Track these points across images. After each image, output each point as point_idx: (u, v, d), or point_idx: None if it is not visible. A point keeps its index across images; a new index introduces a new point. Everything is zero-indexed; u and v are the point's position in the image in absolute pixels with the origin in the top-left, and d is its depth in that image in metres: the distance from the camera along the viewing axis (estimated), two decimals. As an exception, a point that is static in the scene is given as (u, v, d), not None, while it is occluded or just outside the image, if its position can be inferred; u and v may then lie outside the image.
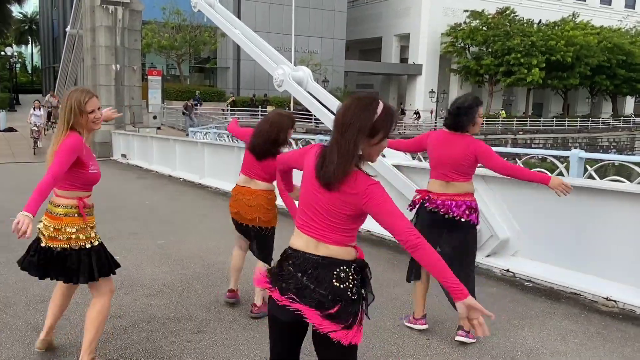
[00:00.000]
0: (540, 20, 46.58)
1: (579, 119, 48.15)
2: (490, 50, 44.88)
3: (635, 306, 4.53)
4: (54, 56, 56.36)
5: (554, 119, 47.62)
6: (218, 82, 45.79)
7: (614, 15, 55.01)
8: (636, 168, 6.17)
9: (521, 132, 42.62)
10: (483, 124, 3.96)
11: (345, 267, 2.15)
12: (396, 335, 4.02)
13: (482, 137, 37.64)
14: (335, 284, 2.12)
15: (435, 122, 40.95)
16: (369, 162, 2.18)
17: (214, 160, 12.84)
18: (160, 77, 32.61)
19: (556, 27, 45.27)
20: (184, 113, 28.15)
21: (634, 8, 58.14)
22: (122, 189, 11.51)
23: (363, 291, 2.20)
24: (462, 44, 46.57)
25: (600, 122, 49.30)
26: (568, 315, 4.46)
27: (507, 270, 5.57)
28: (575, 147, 43.99)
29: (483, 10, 45.19)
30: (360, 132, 2.07)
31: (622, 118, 52.20)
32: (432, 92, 43.99)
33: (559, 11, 50.32)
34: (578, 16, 47.55)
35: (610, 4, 56.83)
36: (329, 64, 41.43)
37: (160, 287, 5.10)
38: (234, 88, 44.34)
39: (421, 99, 48.35)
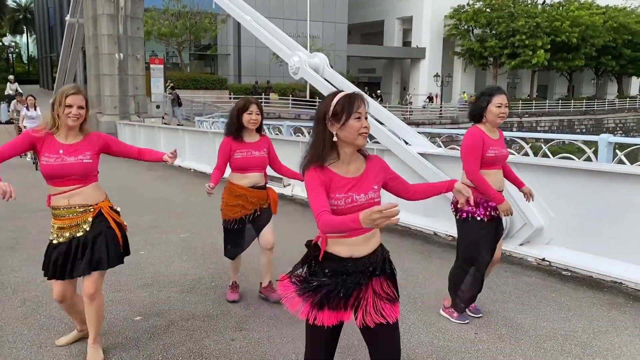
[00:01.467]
0: (544, 1, 46.15)
1: (584, 101, 47.86)
2: (494, 32, 44.49)
3: (683, 295, 4.44)
4: (51, 45, 55.96)
5: (559, 101, 47.32)
6: (219, 70, 45.49)
7: (619, -5, 54.45)
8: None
9: (526, 115, 42.36)
10: (503, 114, 3.78)
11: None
12: (443, 329, 3.93)
13: (487, 120, 37.36)
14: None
15: (441, 108, 40.67)
16: (356, 144, 2.32)
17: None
18: (162, 66, 32.45)
19: (561, 8, 44.85)
20: (173, 101, 27.75)
21: (638, -13, 57.48)
22: (133, 181, 11.40)
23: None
24: (466, 27, 46.16)
25: (606, 103, 49.00)
26: (614, 305, 4.37)
27: (543, 259, 5.48)
28: (582, 130, 43.89)
29: (487, -8, 44.77)
30: (321, 119, 2.30)
31: (627, 99, 51.85)
32: (437, 75, 43.64)
33: (564, -9, 49.81)
34: (583, -4, 47.14)
35: (615, -17, 56.24)
36: (331, 49, 41.08)
37: (193, 283, 5.01)
38: (235, 75, 44.07)
39: (425, 83, 48.04)
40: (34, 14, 67.63)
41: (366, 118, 2.31)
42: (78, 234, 3.27)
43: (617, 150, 6.72)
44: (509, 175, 4.08)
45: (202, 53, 46.23)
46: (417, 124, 29.98)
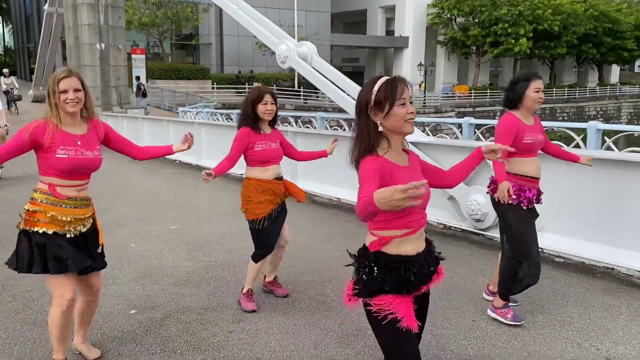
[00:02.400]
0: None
1: (566, 89, 48.29)
2: (477, 20, 44.62)
3: (674, 279, 4.50)
4: (28, 36, 54.84)
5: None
6: (201, 59, 45.04)
7: (599, -17, 54.89)
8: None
9: (509, 103, 42.59)
10: (540, 99, 3.77)
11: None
12: (440, 317, 3.93)
13: (471, 109, 37.59)
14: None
15: (424, 97, 40.77)
16: (404, 132, 2.19)
17: (212, 141, 12.58)
18: (144, 56, 32.09)
19: (543, -4, 45.07)
20: (138, 90, 26.93)
21: (618, -25, 58.02)
22: (117, 172, 11.24)
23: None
24: (449, 15, 46.24)
25: (587, 91, 49.51)
26: (608, 291, 4.41)
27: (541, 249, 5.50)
28: (564, 117, 44.34)
29: (469, -20, 44.82)
30: (363, 110, 2.17)
31: (608, 87, 52.46)
32: (420, 65, 43.69)
33: (545, -20, 50.06)
34: (564, -16, 47.42)
35: (595, -28, 56.63)
36: (314, 38, 40.82)
37: (186, 275, 4.96)
38: (218, 65, 43.67)
39: (408, 72, 48.04)
40: (9, 3, 66.14)
41: (411, 102, 2.17)
42: (83, 229, 3.06)
43: (605, 137, 6.79)
44: (559, 154, 4.08)
45: (183, 43, 45.73)
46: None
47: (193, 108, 20.73)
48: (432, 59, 47.94)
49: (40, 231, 2.94)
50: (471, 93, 42.60)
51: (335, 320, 3.93)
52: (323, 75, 8.92)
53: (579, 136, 6.74)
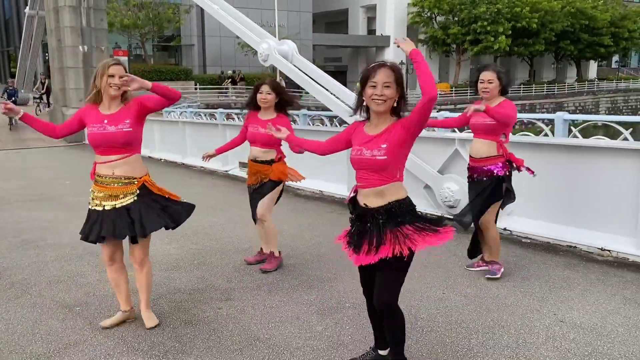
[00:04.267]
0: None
1: (545, 85, 49.10)
2: (456, 19, 45.20)
3: (629, 254, 4.87)
4: (7, 39, 54.45)
5: (521, 86, 48.45)
6: (183, 61, 45.08)
7: (576, -20, 55.81)
8: (618, 127, 6.51)
9: (489, 100, 43.20)
10: (485, 89, 4.33)
11: None
12: (412, 291, 4.25)
13: (452, 106, 38.15)
14: None
15: (406, 94, 41.17)
16: (373, 110, 2.74)
17: (196, 139, 12.82)
18: (126, 58, 32.08)
19: (521, -6, 45.76)
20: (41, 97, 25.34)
21: (594, -27, 59.00)
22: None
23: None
24: (429, 14, 46.75)
25: (566, 87, 50.38)
26: (569, 266, 4.77)
27: (505, 229, 5.86)
28: (543, 113, 45.06)
29: (448, -21, 45.37)
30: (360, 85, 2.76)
31: (586, 82, 53.40)
32: (402, 63, 44.06)
33: (523, -22, 50.80)
34: (541, -18, 48.17)
35: (571, -31, 57.55)
36: (296, 38, 41.01)
37: (176, 262, 5.23)
38: (200, 65, 43.74)
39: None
40: (-12, 7, 65.51)
41: (385, 86, 2.63)
42: (123, 203, 3.47)
43: (572, 127, 7.17)
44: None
45: (165, 44, 45.72)
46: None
47: (177, 108, 20.88)
48: (413, 58, 48.42)
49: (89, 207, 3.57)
50: (452, 91, 43.14)
51: (316, 295, 4.24)
52: (304, 73, 9.21)
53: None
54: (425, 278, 4.56)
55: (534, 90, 47.16)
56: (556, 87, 49.14)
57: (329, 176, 8.34)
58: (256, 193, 4.79)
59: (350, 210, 2.89)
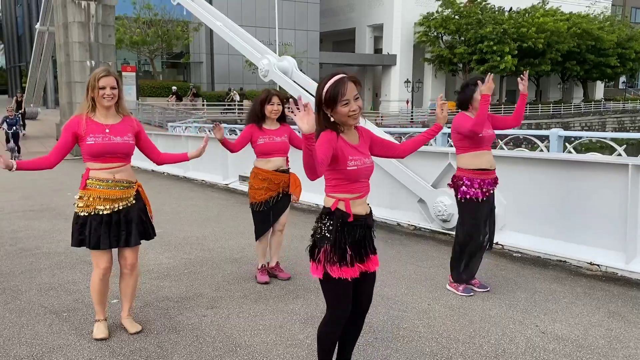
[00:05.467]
0: (511, 8, 47.28)
1: (551, 105, 49.13)
2: (463, 38, 45.45)
3: (617, 268, 4.86)
4: (20, 55, 55.24)
5: (528, 106, 48.50)
6: (192, 77, 45.51)
7: (582, 2, 56.09)
8: (612, 143, 6.55)
9: (495, 119, 43.23)
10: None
11: (320, 213, 2.69)
12: (399, 302, 4.27)
13: (449, 139, 38.19)
14: (315, 224, 2.68)
15: (412, 112, 41.40)
16: (349, 125, 2.62)
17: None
18: (134, 73, 32.49)
19: (527, 14, 46.00)
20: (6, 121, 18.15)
21: (601, -6, 59.38)
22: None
23: (329, 235, 2.60)
24: (435, 33, 47.05)
25: (572, 107, 50.36)
26: (556, 279, 4.77)
27: (496, 243, 5.85)
28: (548, 132, 45.04)
29: (455, -1, 45.75)
30: (318, 105, 2.57)
31: (593, 103, 53.37)
32: (407, 81, 44.41)
33: (529, -1, 51.18)
34: (547, 3, 48.43)
35: (578, -10, 57.95)
36: (303, 56, 41.51)
37: (167, 271, 5.27)
38: (208, 83, 44.14)
39: (396, 89, 48.78)
40: (1, 23, 66.62)
41: (356, 99, 2.54)
42: (119, 208, 3.54)
43: (566, 144, 7.20)
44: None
45: (174, 61, 46.22)
46: (390, 134, 30.48)
47: (182, 123, 21.10)
48: (419, 76, 48.68)
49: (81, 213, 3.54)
50: (458, 109, 43.21)
51: (302, 305, 4.26)
52: (304, 89, 9.31)
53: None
54: (412, 290, 4.57)
55: (540, 110, 47.18)
56: (562, 107, 49.15)
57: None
58: (280, 204, 4.76)
59: (339, 223, 2.60)
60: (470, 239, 4.32)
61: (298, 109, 2.23)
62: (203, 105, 35.88)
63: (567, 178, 5.45)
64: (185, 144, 13.37)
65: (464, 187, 4.23)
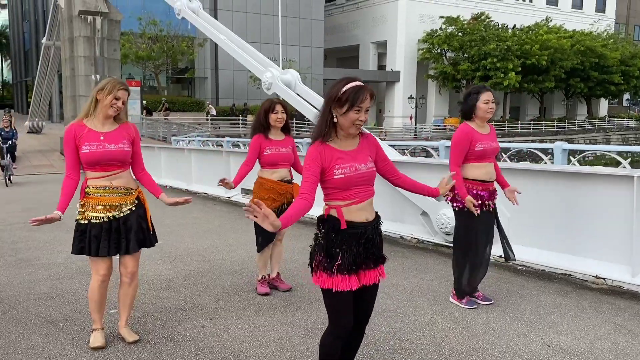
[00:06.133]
0: (514, 25, 47.50)
1: (555, 122, 49.10)
2: (466, 55, 45.60)
3: (623, 282, 4.78)
4: (26, 70, 55.69)
5: (532, 122, 48.51)
6: (196, 93, 45.74)
7: (585, 19, 56.37)
8: (617, 157, 6.49)
9: (499, 136, 43.02)
10: (491, 109, 4.18)
11: (317, 220, 2.64)
12: (401, 314, 4.20)
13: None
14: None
15: (415, 128, 41.43)
16: (348, 133, 2.57)
17: (201, 167, 12.93)
18: (139, 88, 32.69)
19: (530, 32, 46.17)
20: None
21: (604, 12, 59.66)
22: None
23: (323, 242, 2.56)
24: (439, 50, 47.24)
25: (577, 124, 50.33)
26: (561, 292, 4.69)
27: (500, 257, 5.77)
28: (552, 149, 44.98)
29: (458, 16, 45.95)
30: (329, 101, 2.53)
31: (597, 120, 53.34)
32: (411, 97, 44.51)
33: (533, 16, 51.41)
34: (551, 20, 48.64)
35: (581, 8, 58.22)
36: (307, 72, 41.70)
37: (166, 282, 5.21)
38: (213, 98, 44.32)
39: (400, 105, 48.89)
40: (9, 39, 67.31)
41: (366, 112, 2.53)
42: (120, 214, 3.51)
43: (570, 157, 7.16)
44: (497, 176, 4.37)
45: (179, 76, 46.49)
46: (393, 146, 30.51)
47: (186, 137, 21.18)
48: (423, 92, 48.79)
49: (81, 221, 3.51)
50: (462, 119, 43.22)
51: (302, 317, 4.19)
52: (308, 102, 9.33)
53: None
54: (414, 302, 4.50)
55: (544, 127, 47.16)
56: (567, 124, 49.11)
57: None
58: (281, 214, 4.73)
59: (331, 231, 2.55)
60: (467, 249, 4.25)
61: (255, 216, 2.25)
62: (207, 120, 36.03)
63: (571, 191, 5.38)
64: (188, 157, 13.37)
65: (457, 196, 4.18)
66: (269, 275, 4.91)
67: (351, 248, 2.55)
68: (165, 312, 4.36)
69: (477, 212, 4.11)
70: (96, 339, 3.67)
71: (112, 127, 3.54)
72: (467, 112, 4.24)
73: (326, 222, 2.58)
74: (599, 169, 5.37)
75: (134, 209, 3.59)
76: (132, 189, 3.62)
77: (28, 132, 31.78)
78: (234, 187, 4.65)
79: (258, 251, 4.81)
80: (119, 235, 3.54)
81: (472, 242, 4.24)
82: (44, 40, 29.16)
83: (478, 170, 4.18)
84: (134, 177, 3.74)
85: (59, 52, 25.37)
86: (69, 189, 3.50)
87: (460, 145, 4.15)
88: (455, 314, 4.19)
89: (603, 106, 60.63)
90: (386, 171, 2.84)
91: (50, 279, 5.35)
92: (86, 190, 3.53)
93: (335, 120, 2.55)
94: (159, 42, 38.39)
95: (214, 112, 36.39)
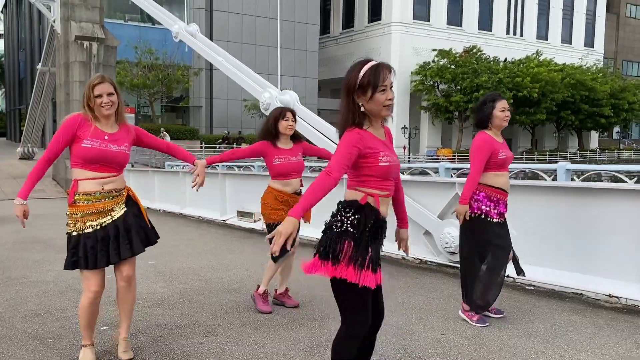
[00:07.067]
0: (506, 59, 48.18)
1: (547, 153, 49.39)
2: (459, 87, 46.04)
3: (639, 300, 4.59)
4: (20, 98, 55.64)
5: (524, 153, 48.76)
6: (190, 121, 45.75)
7: (575, 54, 57.38)
8: (623, 177, 6.38)
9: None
10: (507, 117, 4.08)
11: (340, 205, 2.41)
12: (410, 332, 3.98)
13: (452, 174, 38.32)
14: (331, 218, 2.41)
15: (409, 158, 41.49)
16: (382, 115, 2.41)
17: (195, 190, 12.67)
18: (133, 115, 32.66)
19: (521, 65, 46.83)
20: None
21: (592, 47, 60.76)
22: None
23: (353, 230, 2.33)
24: (432, 82, 47.69)
25: (568, 156, 50.62)
26: (575, 311, 4.49)
27: (507, 276, 5.58)
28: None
29: (450, 49, 46.57)
30: (349, 91, 2.35)
31: (588, 152, 53.74)
32: (404, 128, 44.73)
33: (524, 50, 52.25)
34: (541, 54, 49.40)
35: (570, 43, 59.27)
36: (302, 102, 41.85)
37: (161, 300, 4.97)
38: (207, 126, 44.34)
39: (393, 135, 48.71)
40: (4, 67, 67.43)
41: (391, 88, 2.36)
42: (113, 219, 3.28)
43: (574, 177, 7.04)
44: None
45: (174, 105, 46.56)
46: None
47: (181, 163, 20.97)
48: (416, 123, 49.07)
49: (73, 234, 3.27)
50: (454, 156, 43.42)
51: (306, 333, 3.96)
52: (307, 123, 9.21)
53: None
54: (423, 320, 4.28)
55: (536, 159, 47.38)
56: (558, 156, 49.39)
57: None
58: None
59: (368, 219, 2.36)
60: (477, 260, 4.07)
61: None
62: (201, 147, 35.95)
63: (579, 206, 5.24)
64: (182, 180, 13.17)
65: (476, 202, 4.02)
66: (275, 290, 4.70)
67: (377, 242, 2.38)
68: (160, 328, 4.12)
69: (461, 220, 4.07)
70: (85, 356, 3.42)
71: (114, 128, 3.34)
72: (483, 121, 4.12)
73: (362, 210, 2.36)
74: (607, 184, 5.24)
75: (126, 208, 3.37)
76: (122, 189, 3.40)
77: (20, 158, 31.51)
78: (207, 166, 4.23)
79: (274, 262, 4.48)
80: (118, 240, 3.31)
81: (490, 251, 4.05)
82: (39, 66, 29.11)
83: (500, 179, 4.07)
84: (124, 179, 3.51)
85: (54, 78, 25.28)
86: (37, 175, 3.27)
87: (484, 149, 4.00)
88: (467, 331, 3.98)
89: (594, 139, 61.23)
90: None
91: (39, 296, 5.09)
92: (75, 197, 3.26)
93: (362, 109, 2.38)
94: (154, 70, 38.50)
95: (168, 138, 36.30)
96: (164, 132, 37.08)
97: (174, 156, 3.82)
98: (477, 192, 4.04)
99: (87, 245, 3.24)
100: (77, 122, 3.24)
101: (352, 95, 2.38)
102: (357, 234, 2.33)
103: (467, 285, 4.18)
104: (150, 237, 3.51)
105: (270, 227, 4.44)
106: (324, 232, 2.40)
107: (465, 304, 4.23)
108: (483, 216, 4.01)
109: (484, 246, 4.05)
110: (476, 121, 4.16)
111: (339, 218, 2.38)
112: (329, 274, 2.34)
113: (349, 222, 2.35)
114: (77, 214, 3.27)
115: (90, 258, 3.25)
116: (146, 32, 39.84)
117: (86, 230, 3.26)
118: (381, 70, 2.34)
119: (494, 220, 4.03)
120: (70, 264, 3.30)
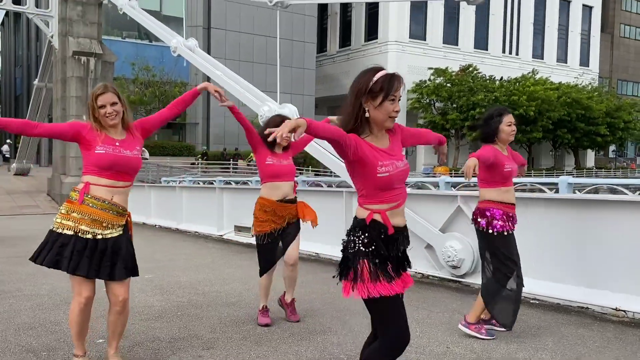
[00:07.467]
0: (501, 77, 48.49)
1: (544, 172, 49.49)
2: (455, 105, 46.26)
3: (647, 314, 4.51)
4: (16, 114, 55.60)
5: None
6: (187, 138, 45.75)
7: (571, 73, 57.73)
8: (624, 190, 6.33)
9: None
10: (514, 131, 4.03)
11: (353, 223, 2.40)
12: (414, 345, 3.88)
13: (452, 189, 38.34)
14: (345, 237, 2.41)
15: (405, 175, 41.50)
16: (385, 127, 2.38)
17: (192, 205, 12.60)
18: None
19: (517, 83, 47.11)
20: None
21: (588, 66, 61.24)
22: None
23: (365, 249, 2.31)
24: (428, 100, 47.91)
25: (565, 174, 50.72)
26: (582, 324, 4.40)
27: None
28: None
29: (447, 68, 46.85)
30: (358, 94, 2.30)
31: (585, 170, 53.87)
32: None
33: (519, 69, 52.55)
34: (537, 73, 49.74)
35: (566, 62, 59.70)
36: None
37: (158, 313, 4.86)
38: (204, 143, 44.36)
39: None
40: (0, 83, 67.47)
41: (399, 100, 2.34)
42: (104, 237, 3.16)
43: (576, 191, 6.99)
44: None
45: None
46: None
47: (177, 177, 20.90)
48: (413, 141, 49.18)
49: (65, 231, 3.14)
50: (451, 174, 43.44)
51: (307, 347, 3.85)
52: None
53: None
54: (427, 333, 4.19)
55: (532, 177, 47.47)
56: (555, 174, 49.53)
57: (326, 238, 8.02)
58: (287, 235, 4.42)
59: (379, 236, 2.33)
60: (509, 275, 3.97)
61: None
62: (199, 164, 35.90)
63: (583, 219, 5.17)
64: (179, 195, 13.06)
65: (495, 220, 3.93)
66: (283, 297, 4.65)
67: (396, 250, 2.36)
68: (158, 341, 4.01)
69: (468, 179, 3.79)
70: None
71: (123, 134, 3.27)
72: (490, 135, 4.04)
73: (370, 228, 2.33)
74: (612, 196, 5.18)
75: (122, 232, 3.26)
76: (125, 210, 3.29)
77: (15, 174, 31.35)
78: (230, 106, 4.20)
79: (260, 275, 4.49)
80: (102, 258, 3.17)
81: (510, 267, 3.97)
82: (35, 82, 29.09)
83: (508, 195, 4.02)
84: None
85: (50, 94, 25.28)
86: (21, 124, 3.15)
87: (489, 149, 3.93)
88: (473, 345, 3.88)
89: (590, 157, 61.46)
90: (419, 138, 2.76)
91: (33, 309, 4.97)
92: (85, 197, 3.14)
93: (367, 115, 2.33)
94: (151, 87, 38.59)
95: (147, 155, 36.23)
96: (143, 149, 37.03)
97: (182, 108, 3.67)
98: (492, 210, 3.95)
99: (75, 249, 3.12)
100: (85, 126, 3.19)
101: (360, 99, 2.32)
102: (370, 252, 2.31)
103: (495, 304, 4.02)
104: (135, 267, 3.39)
105: (257, 238, 4.42)
106: (342, 251, 2.41)
107: (469, 317, 4.12)
108: (505, 233, 3.94)
109: (510, 261, 3.97)
110: (482, 135, 4.10)
111: (352, 238, 2.37)
112: (361, 295, 2.30)
113: (360, 241, 2.34)
114: (79, 213, 3.15)
115: (73, 262, 3.12)
116: (143, 49, 39.98)
117: (81, 235, 3.14)
118: (395, 80, 2.32)
119: (507, 232, 3.95)
120: (53, 262, 3.18)
